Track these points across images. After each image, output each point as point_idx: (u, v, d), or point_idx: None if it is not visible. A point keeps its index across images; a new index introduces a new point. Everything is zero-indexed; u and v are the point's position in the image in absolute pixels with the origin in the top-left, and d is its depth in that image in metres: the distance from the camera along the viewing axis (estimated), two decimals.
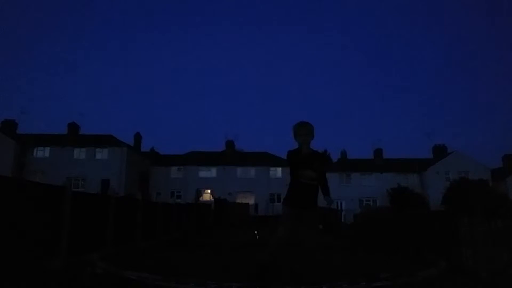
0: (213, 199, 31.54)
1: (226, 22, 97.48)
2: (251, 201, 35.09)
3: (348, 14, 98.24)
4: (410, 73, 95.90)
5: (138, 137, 41.04)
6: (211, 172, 38.05)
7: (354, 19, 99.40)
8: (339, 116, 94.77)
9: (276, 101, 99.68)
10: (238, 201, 33.42)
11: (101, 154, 34.15)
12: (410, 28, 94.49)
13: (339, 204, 35.37)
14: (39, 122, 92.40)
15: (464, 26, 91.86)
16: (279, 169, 35.99)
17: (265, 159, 38.25)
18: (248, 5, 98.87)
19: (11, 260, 4.81)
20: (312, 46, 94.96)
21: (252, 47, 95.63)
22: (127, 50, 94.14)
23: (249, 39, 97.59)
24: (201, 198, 34.74)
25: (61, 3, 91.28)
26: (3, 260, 4.61)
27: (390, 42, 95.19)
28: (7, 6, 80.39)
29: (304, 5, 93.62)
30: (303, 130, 3.74)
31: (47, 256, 5.60)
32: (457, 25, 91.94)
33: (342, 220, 24.86)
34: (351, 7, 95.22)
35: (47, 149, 34.01)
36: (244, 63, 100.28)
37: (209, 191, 35.97)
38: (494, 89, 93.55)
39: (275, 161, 36.84)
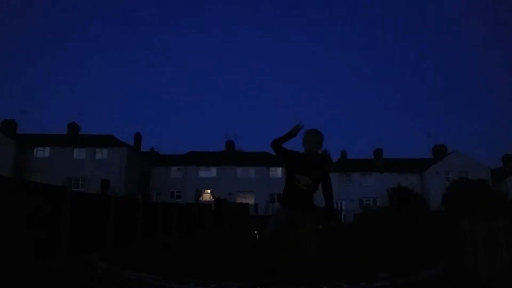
0: (213, 199, 31.54)
1: (226, 22, 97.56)
2: (251, 201, 35.06)
3: (348, 14, 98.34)
4: (410, 73, 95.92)
5: (138, 137, 41.02)
6: (211, 172, 38.02)
7: (354, 19, 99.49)
8: (339, 116, 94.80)
9: (276, 101, 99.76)
10: (238, 201, 33.40)
11: (101, 154, 34.11)
12: (410, 27, 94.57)
13: (339, 204, 35.68)
14: (39, 122, 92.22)
15: (464, 25, 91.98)
16: (279, 169, 35.95)
17: (265, 159, 38.19)
18: (248, 5, 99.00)
19: (11, 260, 4.81)
20: (312, 46, 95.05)
21: (252, 47, 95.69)
22: (127, 50, 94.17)
23: (249, 39, 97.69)
24: (201, 198, 34.73)
25: (61, 4, 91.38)
26: (3, 260, 4.60)
27: (390, 42, 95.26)
28: (7, 5, 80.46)
29: (304, 4, 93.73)
30: (313, 138, 3.67)
31: (47, 256, 5.61)
32: (457, 24, 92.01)
33: (342, 220, 24.91)
34: (350, 6, 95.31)
35: (47, 149, 33.95)
36: (244, 63, 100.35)
37: (209, 191, 35.96)
38: (495, 89, 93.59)
39: (275, 161, 36.74)
